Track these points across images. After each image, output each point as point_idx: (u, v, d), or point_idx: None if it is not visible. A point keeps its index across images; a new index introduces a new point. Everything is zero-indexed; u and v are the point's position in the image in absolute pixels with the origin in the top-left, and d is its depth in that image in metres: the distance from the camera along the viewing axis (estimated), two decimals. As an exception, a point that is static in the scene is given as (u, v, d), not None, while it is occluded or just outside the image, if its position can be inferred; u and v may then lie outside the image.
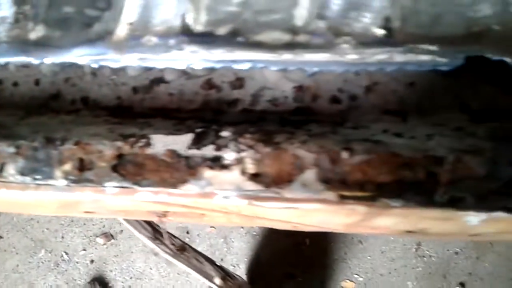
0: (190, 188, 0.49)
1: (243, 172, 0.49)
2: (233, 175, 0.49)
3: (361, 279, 1.69)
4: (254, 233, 1.81)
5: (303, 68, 0.53)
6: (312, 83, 0.61)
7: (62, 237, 1.93)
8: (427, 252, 1.68)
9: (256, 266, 1.76)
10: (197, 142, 0.53)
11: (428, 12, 0.49)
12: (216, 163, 0.50)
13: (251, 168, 0.49)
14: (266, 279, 1.72)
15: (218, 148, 0.51)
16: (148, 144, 0.51)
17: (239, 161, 0.49)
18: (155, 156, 0.51)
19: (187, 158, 0.50)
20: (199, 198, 0.50)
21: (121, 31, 0.55)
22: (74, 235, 1.92)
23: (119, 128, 0.56)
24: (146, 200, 0.51)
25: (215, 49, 0.53)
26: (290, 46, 0.52)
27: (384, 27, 0.49)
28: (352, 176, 0.47)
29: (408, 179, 0.46)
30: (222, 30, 0.53)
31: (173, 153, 0.50)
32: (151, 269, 1.82)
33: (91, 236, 1.91)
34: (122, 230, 1.88)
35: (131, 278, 1.83)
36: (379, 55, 0.49)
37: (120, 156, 0.51)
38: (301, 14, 0.51)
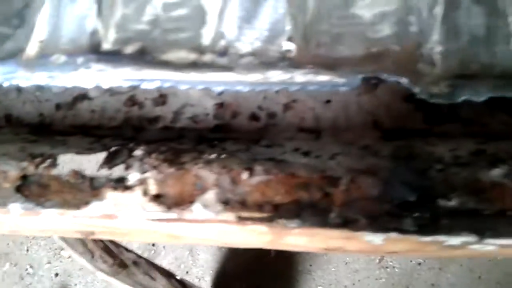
0: (92, 209, 0.49)
1: (145, 193, 0.49)
2: (136, 196, 0.49)
3: (325, 290, 1.70)
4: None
5: (210, 88, 0.54)
6: (233, 100, 0.62)
7: (27, 250, 1.91)
8: (390, 263, 1.69)
9: (222, 278, 1.75)
10: (109, 161, 0.53)
11: (329, 32, 0.50)
12: (120, 184, 0.49)
13: (153, 189, 0.49)
14: (231, 291, 1.72)
15: (127, 168, 0.51)
16: (53, 165, 0.51)
17: (142, 181, 0.49)
18: (59, 177, 0.50)
19: (91, 179, 0.50)
20: (103, 219, 0.50)
21: (32, 49, 0.55)
22: (39, 248, 1.90)
23: (32, 147, 0.55)
24: (50, 222, 0.51)
25: (122, 67, 0.53)
26: (195, 66, 0.52)
27: (286, 48, 0.50)
28: (251, 197, 0.47)
29: (305, 199, 0.47)
30: (130, 49, 0.53)
31: (77, 174, 0.50)
32: (116, 282, 1.80)
33: (56, 249, 1.88)
34: (87, 243, 1.86)
35: (95, 291, 1.81)
36: (281, 75, 0.50)
37: (24, 177, 0.51)
38: (208, 33, 0.51)
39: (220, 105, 0.62)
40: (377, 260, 1.69)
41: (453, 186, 0.45)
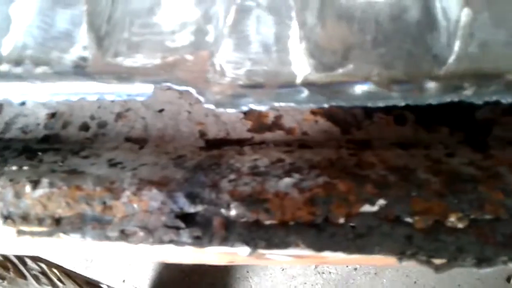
0: None
1: None
2: None
3: (261, 297, 1.68)
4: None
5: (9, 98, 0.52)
6: (67, 109, 0.61)
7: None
8: (327, 268, 1.68)
9: (159, 286, 1.73)
10: None
11: (128, 40, 0.49)
12: None
13: None
14: (168, 299, 1.70)
15: None
16: None
17: None
18: None
19: None
20: None
21: None
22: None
23: None
24: None
25: None
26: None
27: (81, 57, 0.49)
28: (33, 211, 0.46)
29: (87, 213, 0.46)
30: None
31: None
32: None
33: None
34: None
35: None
36: (76, 85, 0.49)
37: None
38: (8, 43, 0.50)
39: (52, 115, 0.61)
40: (314, 266, 1.68)
41: (234, 196, 0.45)
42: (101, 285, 1.42)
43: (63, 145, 0.57)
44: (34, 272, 1.12)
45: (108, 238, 0.45)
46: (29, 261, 1.12)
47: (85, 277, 1.36)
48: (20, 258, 1.08)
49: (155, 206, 0.44)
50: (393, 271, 1.65)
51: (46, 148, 0.57)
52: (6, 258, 1.02)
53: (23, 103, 0.62)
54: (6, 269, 0.95)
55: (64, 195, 0.46)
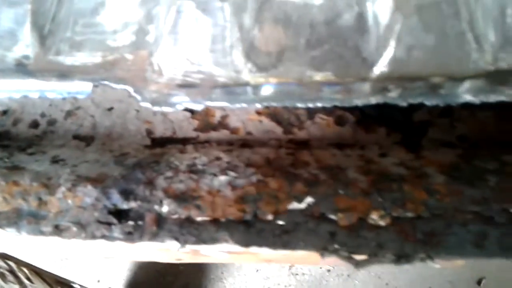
0: None
1: None
2: None
3: (235, 298, 1.69)
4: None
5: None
6: (19, 107, 0.61)
7: None
8: (300, 269, 1.69)
9: (134, 286, 1.73)
10: None
11: (71, 39, 0.50)
12: None
13: None
14: (142, 300, 1.70)
15: None
16: None
17: None
18: None
19: None
20: None
21: None
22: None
23: None
24: None
25: None
26: None
27: (22, 55, 0.49)
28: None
29: (24, 207, 0.46)
30: None
31: None
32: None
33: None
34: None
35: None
36: (17, 82, 0.50)
37: None
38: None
39: (4, 112, 0.61)
40: (288, 267, 1.69)
41: (168, 193, 0.46)
42: (73, 285, 1.42)
43: (12, 141, 0.58)
44: (1, 270, 1.12)
45: (42, 233, 0.45)
46: (-3, 260, 1.12)
47: (56, 276, 1.36)
48: (-14, 256, 1.08)
49: (89, 202, 0.45)
50: (366, 273, 1.67)
51: (-6, 145, 0.57)
52: (-30, 256, 1.02)
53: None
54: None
55: (2, 190, 0.46)
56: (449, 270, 1.64)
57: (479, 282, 1.65)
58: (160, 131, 0.58)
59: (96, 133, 0.58)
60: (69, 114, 0.60)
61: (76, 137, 0.58)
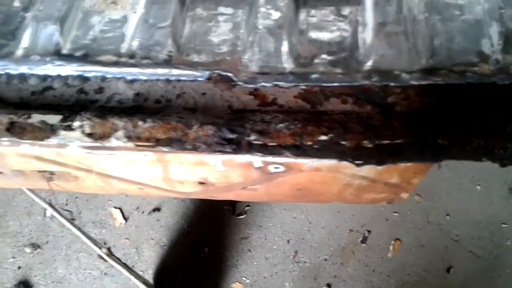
0: (51, 141, 0.85)
1: (83, 132, 0.85)
2: (77, 134, 0.85)
3: (248, 281, 2.01)
4: (162, 244, 2.12)
5: (125, 77, 0.92)
6: (145, 91, 1.00)
7: (-6, 247, 2.17)
8: (302, 258, 2.04)
9: (162, 271, 2.05)
10: (64, 120, 0.89)
11: (194, 48, 0.90)
12: (68, 127, 0.85)
13: (87, 129, 0.85)
14: (170, 281, 2.02)
15: (72, 120, 0.87)
16: (29, 117, 0.87)
17: (81, 126, 0.85)
18: (32, 124, 0.86)
19: (52, 125, 0.86)
20: (58, 149, 0.86)
21: (19, 52, 0.93)
22: (5, 245, 2.17)
23: (15, 111, 0.91)
24: (27, 151, 0.86)
25: (73, 64, 0.91)
26: (117, 64, 0.91)
27: (168, 55, 0.89)
28: (143, 135, 0.84)
29: (174, 136, 0.84)
30: (78, 53, 0.92)
31: (43, 122, 0.86)
32: (70, 274, 2.08)
33: (20, 246, 2.16)
34: (48, 241, 2.15)
35: (52, 282, 2.07)
36: (164, 71, 0.89)
37: (11, 123, 0.86)
38: (125, 46, 0.91)
39: (137, 94, 1.00)
40: (292, 256, 2.03)
41: (253, 130, 0.84)
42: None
43: (144, 110, 0.96)
44: None
45: (184, 149, 0.83)
46: None
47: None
48: None
49: (211, 133, 0.83)
50: (356, 261, 2.02)
51: (135, 112, 0.95)
52: None
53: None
54: None
55: (161, 127, 0.84)
56: (424, 260, 2.00)
57: (448, 270, 2.01)
58: (236, 106, 0.96)
59: (197, 107, 0.97)
60: (178, 96, 0.98)
61: (185, 108, 0.96)
